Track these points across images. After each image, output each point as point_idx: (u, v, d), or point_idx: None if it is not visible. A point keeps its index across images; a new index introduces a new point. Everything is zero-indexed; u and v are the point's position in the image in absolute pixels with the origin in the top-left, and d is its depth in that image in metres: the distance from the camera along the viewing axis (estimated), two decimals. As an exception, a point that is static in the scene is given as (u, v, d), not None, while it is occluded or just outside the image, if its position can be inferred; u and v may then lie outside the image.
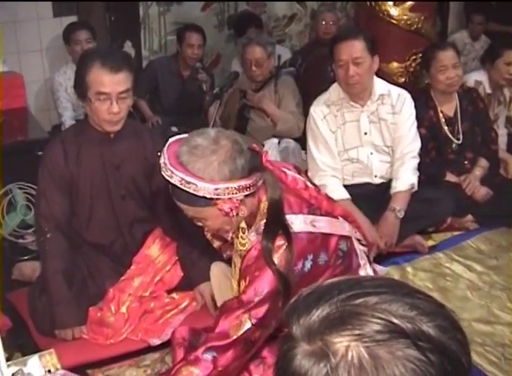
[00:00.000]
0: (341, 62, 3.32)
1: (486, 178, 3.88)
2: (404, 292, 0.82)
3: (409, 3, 4.10)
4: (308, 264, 2.01)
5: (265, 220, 1.98)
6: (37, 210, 2.89)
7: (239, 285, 2.08)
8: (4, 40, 4.65)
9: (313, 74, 4.74)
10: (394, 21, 4.12)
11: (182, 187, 1.86)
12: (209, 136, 1.90)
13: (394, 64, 4.15)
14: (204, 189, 1.84)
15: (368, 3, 4.16)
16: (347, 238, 2.22)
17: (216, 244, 2.17)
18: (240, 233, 2.03)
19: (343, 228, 2.19)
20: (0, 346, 1.94)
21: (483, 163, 3.91)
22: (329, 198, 2.26)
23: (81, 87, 2.65)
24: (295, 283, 1.95)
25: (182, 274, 2.97)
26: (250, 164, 1.93)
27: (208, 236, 2.13)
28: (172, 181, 1.87)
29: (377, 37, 3.49)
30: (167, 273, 2.98)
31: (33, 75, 5.01)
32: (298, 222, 2.01)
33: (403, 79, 4.19)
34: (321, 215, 2.11)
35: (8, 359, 2.24)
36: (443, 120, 3.85)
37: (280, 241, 1.95)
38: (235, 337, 1.94)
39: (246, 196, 1.93)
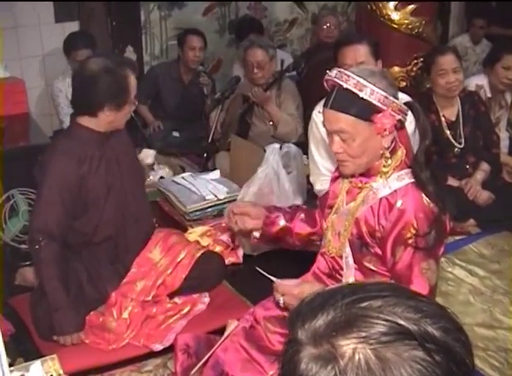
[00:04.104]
0: (345, 66, 3.30)
1: (488, 183, 3.87)
2: (407, 296, 0.83)
3: (410, 7, 4.10)
4: None
5: (406, 170, 2.05)
6: (31, 220, 2.82)
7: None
8: (5, 46, 4.66)
9: (315, 79, 4.72)
10: (395, 25, 4.11)
11: (355, 90, 1.93)
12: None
13: (396, 69, 4.15)
14: (377, 94, 1.93)
15: (369, 7, 4.16)
16: None
17: (343, 168, 2.10)
18: (383, 162, 2.05)
19: None
20: (2, 352, 1.94)
21: (484, 167, 3.90)
22: None
23: (121, 95, 2.70)
24: None
25: (184, 277, 2.97)
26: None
27: (342, 158, 2.06)
28: (347, 84, 1.94)
29: (378, 42, 3.49)
30: (169, 276, 2.98)
31: (34, 81, 5.02)
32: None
33: (404, 83, 4.18)
34: None
35: (10, 365, 2.24)
36: (445, 124, 3.85)
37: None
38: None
39: (396, 125, 2.00)
